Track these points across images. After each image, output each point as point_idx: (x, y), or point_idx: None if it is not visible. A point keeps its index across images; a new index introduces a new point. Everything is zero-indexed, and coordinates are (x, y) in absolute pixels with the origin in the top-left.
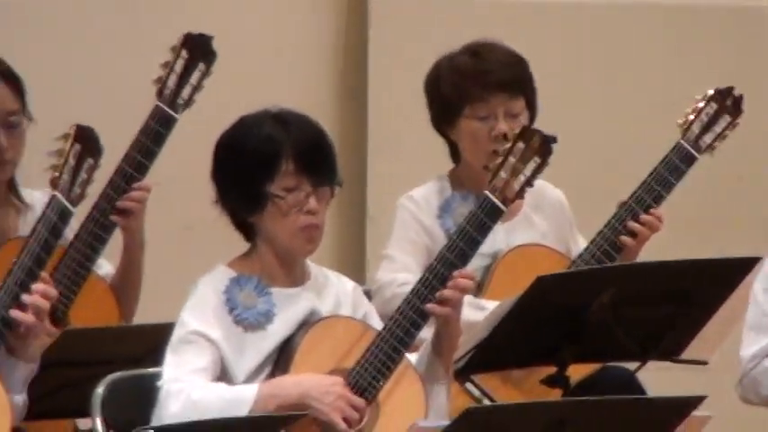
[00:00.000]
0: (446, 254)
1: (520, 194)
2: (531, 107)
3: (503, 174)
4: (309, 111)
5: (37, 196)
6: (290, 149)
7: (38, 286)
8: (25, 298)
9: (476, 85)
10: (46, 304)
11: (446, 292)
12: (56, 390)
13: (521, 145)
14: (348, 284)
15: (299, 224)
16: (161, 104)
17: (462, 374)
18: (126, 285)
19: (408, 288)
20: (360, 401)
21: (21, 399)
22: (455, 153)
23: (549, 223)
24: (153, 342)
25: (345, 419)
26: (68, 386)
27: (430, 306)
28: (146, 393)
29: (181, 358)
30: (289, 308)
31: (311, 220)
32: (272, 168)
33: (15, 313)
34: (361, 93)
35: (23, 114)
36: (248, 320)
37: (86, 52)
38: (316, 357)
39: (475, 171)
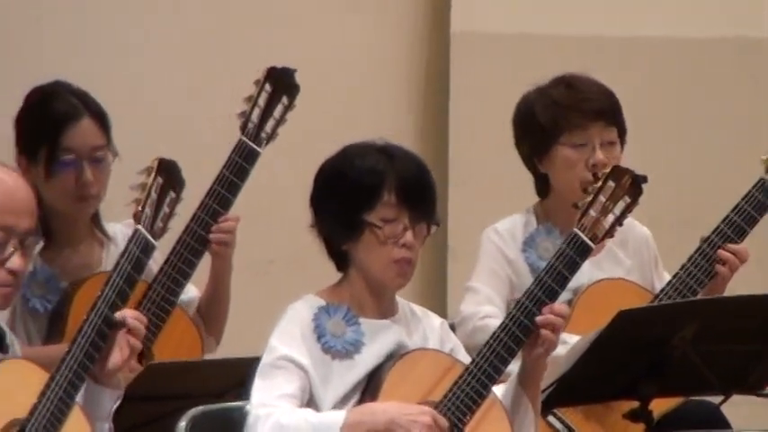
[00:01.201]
0: (535, 290)
1: (609, 233)
2: (621, 138)
3: (592, 212)
4: None
5: (118, 229)
6: (394, 181)
7: (128, 311)
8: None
9: (574, 113)
10: (142, 328)
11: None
12: (139, 424)
13: (611, 184)
14: (435, 320)
15: (393, 256)
16: (244, 139)
17: (544, 408)
18: (215, 305)
19: (491, 321)
20: (445, 426)
21: (106, 427)
22: (542, 187)
23: (634, 260)
24: (235, 376)
25: None
26: (151, 421)
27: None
28: (228, 427)
29: (270, 383)
30: (377, 339)
31: (405, 253)
32: (372, 197)
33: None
34: (441, 127)
35: (109, 149)
36: (336, 348)
37: (170, 86)
38: (403, 390)
39: (565, 203)
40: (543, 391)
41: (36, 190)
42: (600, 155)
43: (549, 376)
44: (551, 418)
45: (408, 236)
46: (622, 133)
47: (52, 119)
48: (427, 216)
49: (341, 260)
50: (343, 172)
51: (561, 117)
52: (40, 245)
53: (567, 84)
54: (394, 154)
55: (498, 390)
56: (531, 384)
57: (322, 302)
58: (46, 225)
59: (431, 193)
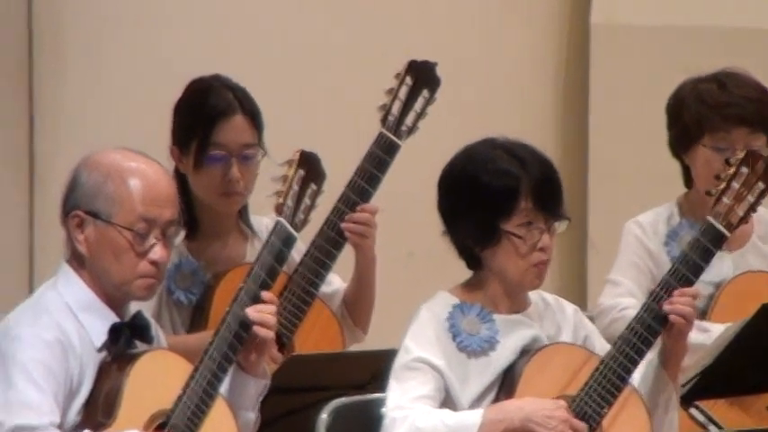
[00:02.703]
0: (669, 280)
1: (744, 220)
2: None
3: (726, 199)
4: (529, 138)
5: (265, 222)
6: (528, 186)
7: (259, 305)
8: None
9: (718, 116)
10: (269, 320)
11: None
12: (280, 416)
13: (744, 170)
14: (568, 308)
15: (532, 261)
16: (385, 131)
17: (687, 400)
18: (360, 296)
19: (630, 312)
20: (582, 426)
21: (253, 416)
22: (689, 177)
23: None
24: (376, 368)
25: None
26: (293, 412)
27: (668, 308)
28: (369, 419)
29: (405, 385)
30: (511, 334)
31: (543, 256)
32: (510, 205)
33: (257, 318)
34: (582, 119)
35: (259, 148)
36: (472, 347)
37: (312, 79)
38: (539, 385)
39: (705, 198)
40: (684, 385)
41: (182, 181)
42: None
43: (690, 367)
44: (694, 411)
45: (546, 239)
46: None
47: (206, 113)
48: (560, 214)
49: (472, 260)
50: (474, 177)
51: (705, 118)
52: (182, 235)
53: (721, 83)
54: (520, 154)
55: (636, 372)
56: (672, 365)
57: (456, 300)
58: (193, 217)
59: (561, 191)
